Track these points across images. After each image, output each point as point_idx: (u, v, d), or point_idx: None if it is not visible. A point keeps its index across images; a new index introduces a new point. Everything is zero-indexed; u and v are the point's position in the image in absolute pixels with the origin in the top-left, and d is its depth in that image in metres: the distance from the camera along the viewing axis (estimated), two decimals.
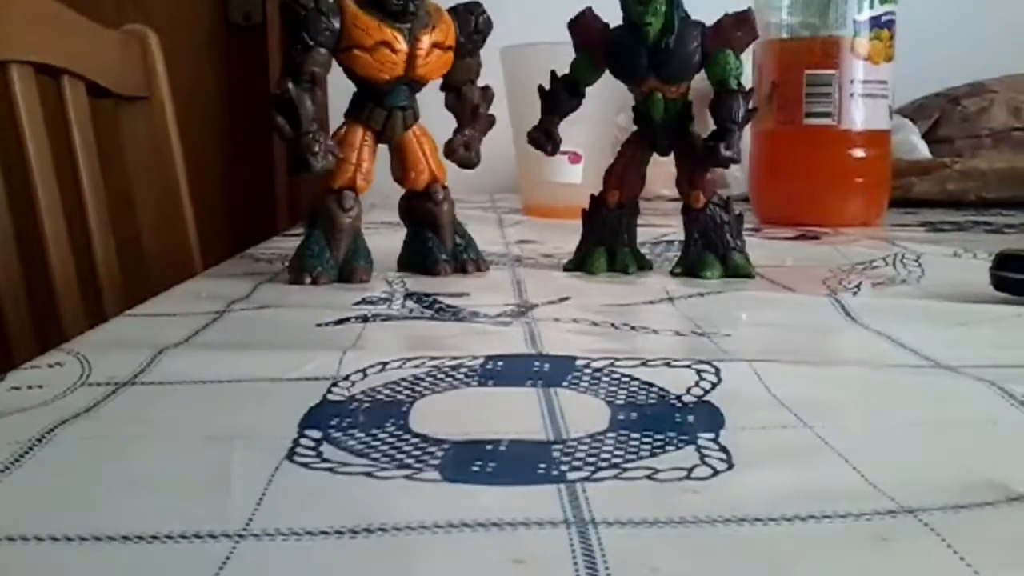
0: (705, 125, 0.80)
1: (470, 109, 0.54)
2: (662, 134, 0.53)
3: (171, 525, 0.19)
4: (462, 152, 0.55)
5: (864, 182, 0.81)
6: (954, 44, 1.34)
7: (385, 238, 0.72)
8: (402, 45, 0.48)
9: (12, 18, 0.73)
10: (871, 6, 0.76)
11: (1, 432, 0.25)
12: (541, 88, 0.54)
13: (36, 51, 0.76)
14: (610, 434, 0.25)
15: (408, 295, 0.46)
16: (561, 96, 0.54)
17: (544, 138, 0.55)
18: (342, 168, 0.50)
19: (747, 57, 1.03)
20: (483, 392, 0.30)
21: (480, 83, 0.55)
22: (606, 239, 0.54)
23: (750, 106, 0.50)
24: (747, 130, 0.94)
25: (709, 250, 0.52)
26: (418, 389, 0.29)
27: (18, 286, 0.69)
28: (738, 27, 0.50)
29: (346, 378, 0.31)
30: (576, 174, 0.85)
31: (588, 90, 0.54)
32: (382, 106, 0.51)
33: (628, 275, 0.53)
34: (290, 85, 0.47)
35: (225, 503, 0.20)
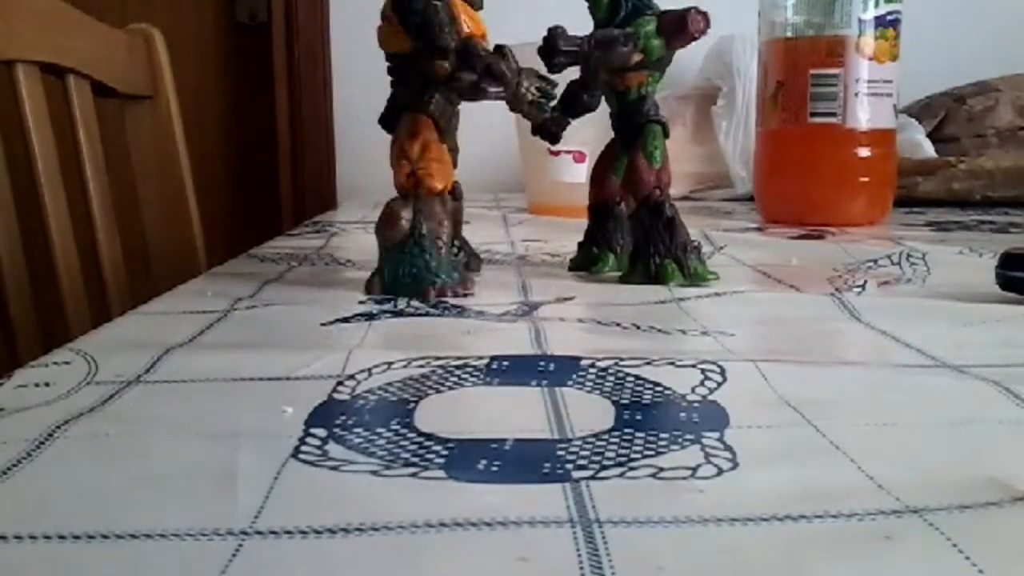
0: (710, 126, 0.80)
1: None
2: (619, 130, 0.52)
3: (177, 523, 0.19)
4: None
5: (869, 181, 0.80)
6: (960, 43, 1.34)
7: None
8: (488, 37, 0.47)
9: (18, 18, 0.73)
10: (876, 5, 0.76)
11: (8, 430, 0.25)
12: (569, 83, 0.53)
13: (42, 51, 0.76)
14: (615, 433, 0.25)
15: None
16: (577, 97, 0.53)
17: (550, 125, 0.53)
18: (447, 171, 0.47)
19: (751, 56, 1.03)
20: (488, 391, 0.30)
21: None
22: (590, 238, 0.54)
23: (624, 58, 0.48)
24: (752, 130, 0.94)
25: (638, 256, 0.50)
26: (423, 388, 0.30)
27: (24, 285, 0.69)
28: (676, 22, 0.48)
29: (351, 377, 0.31)
30: (580, 173, 0.85)
31: None
32: (451, 102, 0.48)
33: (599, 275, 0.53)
34: (481, 51, 0.43)
35: (231, 501, 0.21)
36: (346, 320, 0.40)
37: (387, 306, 0.43)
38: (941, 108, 1.11)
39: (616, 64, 0.48)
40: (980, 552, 0.18)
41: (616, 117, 0.52)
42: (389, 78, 0.49)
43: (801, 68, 0.78)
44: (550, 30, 0.47)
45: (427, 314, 0.42)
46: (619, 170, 0.52)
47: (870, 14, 0.76)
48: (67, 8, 0.81)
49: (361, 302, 0.44)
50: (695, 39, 0.49)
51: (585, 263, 0.54)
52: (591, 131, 0.79)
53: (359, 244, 0.69)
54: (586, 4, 0.51)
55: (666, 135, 0.51)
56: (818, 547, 0.18)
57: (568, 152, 0.86)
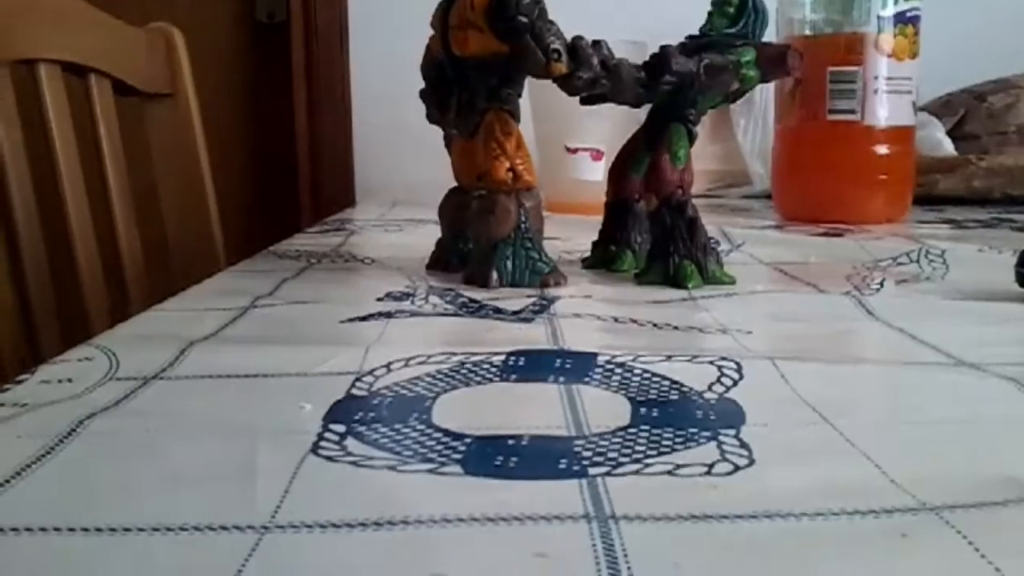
0: (728, 124, 0.80)
1: None
2: (650, 127, 0.52)
3: (198, 516, 0.19)
4: None
5: (888, 179, 0.80)
6: (980, 40, 1.33)
7: (406, 235, 0.73)
8: None
9: (39, 17, 0.74)
10: (895, 2, 0.75)
11: (31, 425, 0.26)
12: None
13: (63, 50, 0.76)
14: (631, 430, 0.25)
15: (431, 291, 0.46)
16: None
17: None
18: (531, 165, 0.48)
19: None
20: (505, 388, 0.30)
21: None
22: (606, 236, 0.55)
23: (727, 87, 0.49)
24: (770, 127, 0.94)
25: (656, 255, 0.50)
26: (441, 384, 0.30)
27: (46, 282, 0.70)
28: (776, 58, 0.50)
29: (370, 373, 0.31)
30: (598, 171, 0.85)
31: None
32: (520, 96, 0.49)
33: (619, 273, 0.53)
34: (592, 49, 0.44)
35: (251, 495, 0.21)
36: (364, 318, 0.40)
37: (405, 303, 0.44)
38: (961, 105, 1.10)
39: (718, 92, 0.50)
40: (997, 550, 0.18)
41: (651, 114, 0.52)
42: (415, 78, 0.49)
43: (820, 65, 0.77)
44: (663, 48, 0.48)
45: (444, 312, 0.42)
46: (639, 167, 0.52)
47: (889, 11, 0.75)
48: (88, 7, 0.81)
49: (379, 299, 0.44)
50: (789, 75, 0.51)
51: (602, 261, 0.54)
52: (608, 129, 0.79)
53: (377, 242, 0.69)
54: (711, 6, 0.51)
55: (692, 138, 0.51)
56: (834, 544, 0.19)
57: (586, 150, 0.86)
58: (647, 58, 0.49)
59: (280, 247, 0.65)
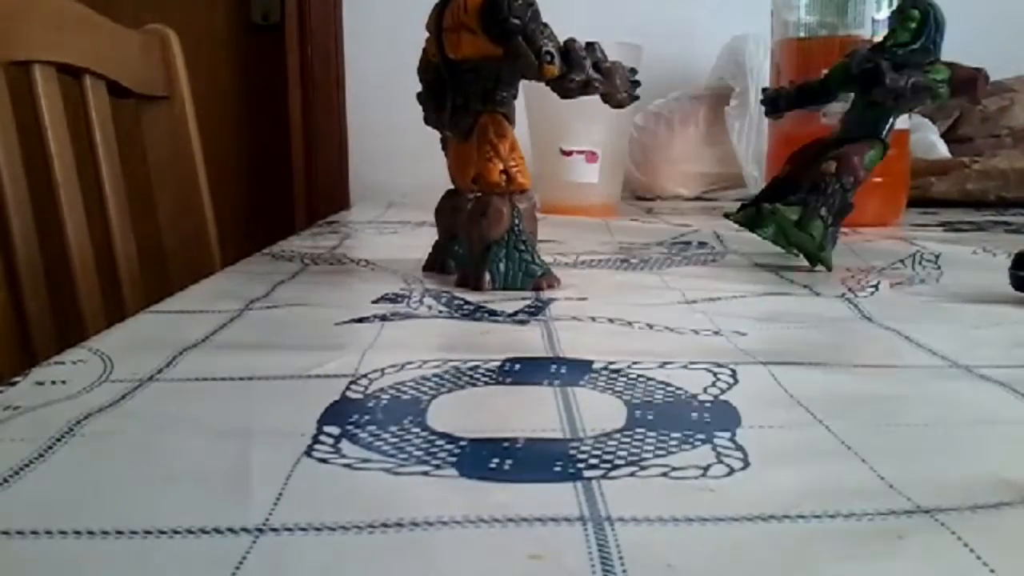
0: (723, 127, 0.80)
1: None
2: (855, 121, 0.57)
3: (192, 519, 0.19)
4: None
5: (882, 182, 0.80)
6: (974, 43, 1.33)
7: (402, 237, 0.73)
8: None
9: (35, 19, 0.74)
10: (890, 4, 0.76)
11: (25, 427, 0.26)
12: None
13: (58, 51, 0.76)
14: (626, 432, 0.25)
15: (426, 293, 0.46)
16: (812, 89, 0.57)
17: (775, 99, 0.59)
18: (524, 167, 0.48)
19: (764, 56, 1.02)
20: (500, 390, 0.30)
21: None
22: (764, 198, 0.58)
23: (924, 102, 0.54)
24: (764, 130, 0.94)
25: (798, 200, 0.54)
26: (436, 387, 0.30)
27: (40, 283, 0.70)
28: (968, 82, 0.53)
29: (365, 376, 0.31)
30: (593, 173, 0.85)
31: None
32: (515, 99, 0.50)
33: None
34: (584, 51, 0.44)
35: (245, 498, 0.21)
36: (360, 320, 0.40)
37: (400, 306, 0.44)
38: (955, 108, 1.10)
39: (913, 107, 0.55)
40: (991, 552, 0.18)
41: (847, 125, 0.56)
42: (409, 81, 0.49)
43: (814, 68, 0.77)
44: (877, 64, 0.52)
45: (439, 314, 0.42)
46: (821, 162, 0.55)
47: (884, 14, 0.76)
48: (83, 9, 0.81)
49: (374, 302, 0.44)
50: (977, 103, 0.54)
51: (748, 221, 0.57)
52: (603, 131, 0.79)
53: (373, 244, 0.69)
54: (892, 20, 0.55)
55: (885, 153, 0.56)
56: (829, 546, 0.19)
57: (580, 152, 0.86)
58: (640, 60, 0.50)
59: (275, 249, 0.65)
